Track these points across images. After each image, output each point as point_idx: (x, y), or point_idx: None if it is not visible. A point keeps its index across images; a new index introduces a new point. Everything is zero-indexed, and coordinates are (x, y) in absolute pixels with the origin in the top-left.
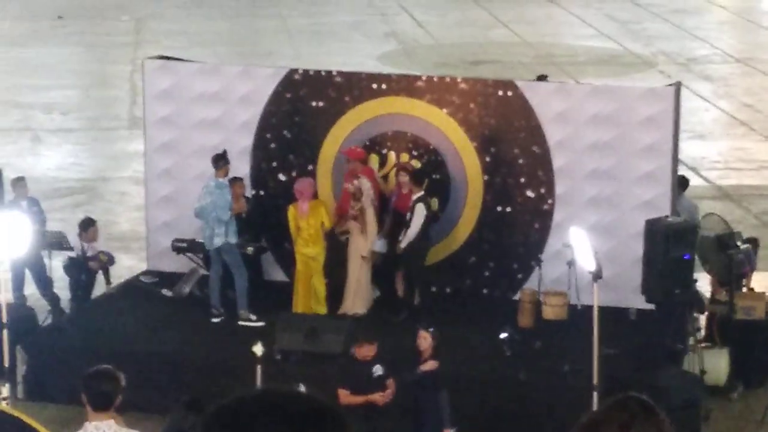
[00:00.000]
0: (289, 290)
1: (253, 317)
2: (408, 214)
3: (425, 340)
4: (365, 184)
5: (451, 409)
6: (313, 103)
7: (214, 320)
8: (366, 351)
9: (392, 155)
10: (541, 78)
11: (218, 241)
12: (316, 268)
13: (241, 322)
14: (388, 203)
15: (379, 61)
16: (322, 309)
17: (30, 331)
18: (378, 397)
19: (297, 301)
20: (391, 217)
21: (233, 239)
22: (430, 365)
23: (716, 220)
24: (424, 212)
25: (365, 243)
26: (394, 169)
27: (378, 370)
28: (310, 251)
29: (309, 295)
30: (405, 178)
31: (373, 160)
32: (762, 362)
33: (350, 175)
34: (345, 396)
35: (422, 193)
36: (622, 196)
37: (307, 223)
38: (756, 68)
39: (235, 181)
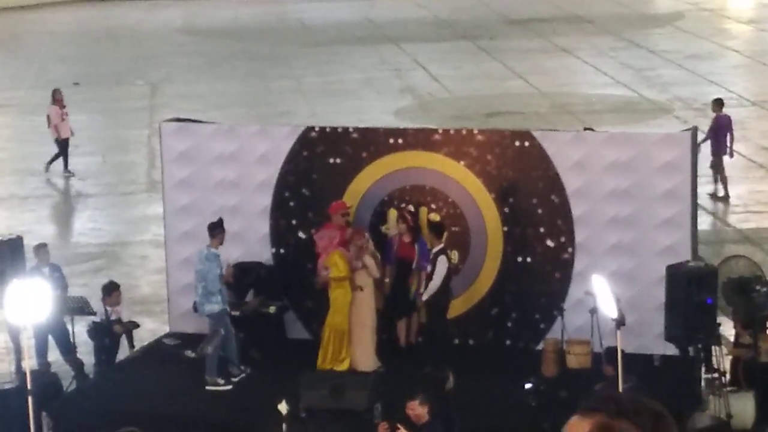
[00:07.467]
0: (313, 348)
1: (221, 381)
2: (429, 267)
3: (413, 411)
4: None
5: None
6: (331, 160)
7: (234, 380)
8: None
9: (410, 209)
10: None
11: (214, 308)
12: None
13: (208, 387)
14: (389, 253)
15: (395, 116)
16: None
17: (55, 397)
18: None
19: (341, 356)
20: (395, 267)
21: (224, 305)
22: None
23: (743, 264)
24: (447, 264)
25: (379, 296)
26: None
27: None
28: (349, 299)
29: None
30: (403, 226)
31: (392, 215)
32: None
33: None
34: None
35: (442, 245)
36: (642, 243)
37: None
38: None
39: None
